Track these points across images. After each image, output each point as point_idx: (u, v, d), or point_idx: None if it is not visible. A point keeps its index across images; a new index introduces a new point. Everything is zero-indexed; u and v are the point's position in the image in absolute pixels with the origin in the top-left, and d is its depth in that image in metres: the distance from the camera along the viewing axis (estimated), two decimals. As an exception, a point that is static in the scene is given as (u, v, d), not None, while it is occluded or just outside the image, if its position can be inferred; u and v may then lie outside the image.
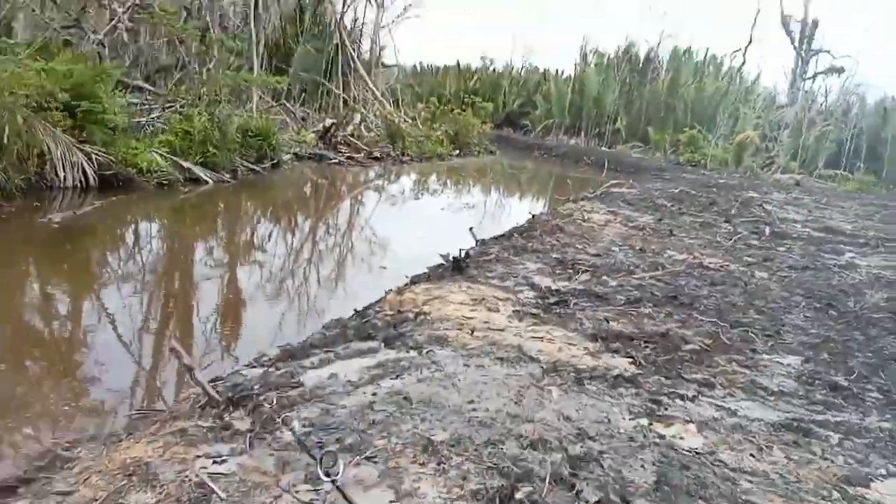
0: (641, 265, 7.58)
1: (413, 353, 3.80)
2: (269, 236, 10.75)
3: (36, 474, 2.70)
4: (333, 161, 18.15)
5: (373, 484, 2.57)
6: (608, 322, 5.10)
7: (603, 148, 34.24)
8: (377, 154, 20.14)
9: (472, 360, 3.77)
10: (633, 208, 12.74)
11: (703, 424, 3.42)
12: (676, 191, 16.77)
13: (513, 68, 42.70)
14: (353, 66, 23.16)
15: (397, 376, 3.48)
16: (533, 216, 10.65)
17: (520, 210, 16.59)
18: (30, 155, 9.57)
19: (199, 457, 2.63)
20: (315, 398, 3.14)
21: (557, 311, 5.18)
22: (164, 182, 11.65)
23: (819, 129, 33.39)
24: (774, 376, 4.42)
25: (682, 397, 3.76)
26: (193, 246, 9.50)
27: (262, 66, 20.12)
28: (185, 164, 12.22)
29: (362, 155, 19.46)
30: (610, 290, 6.14)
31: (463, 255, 7.20)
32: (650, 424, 3.31)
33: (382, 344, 3.89)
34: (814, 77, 34.14)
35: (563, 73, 41.14)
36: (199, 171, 12.33)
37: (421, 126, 25.36)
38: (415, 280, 6.29)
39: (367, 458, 2.72)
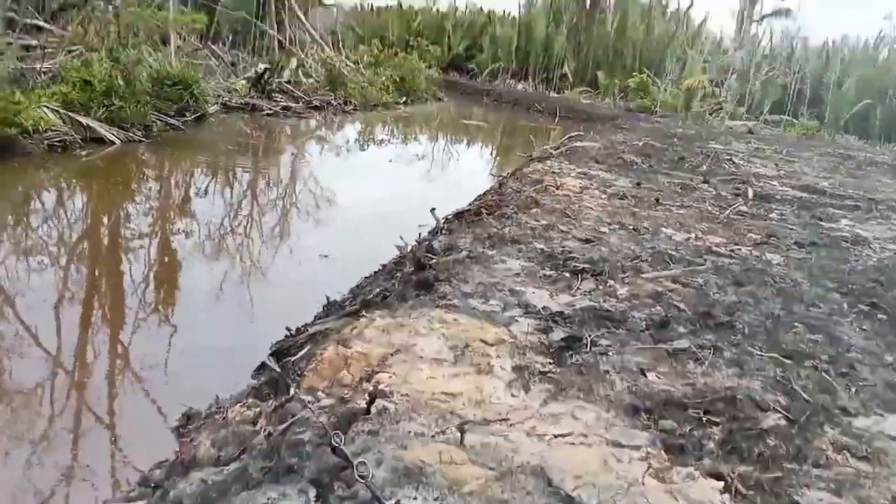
0: (643, 255, 5.95)
1: (367, 516, 2.06)
2: (177, 215, 8.66)
3: None
4: (268, 112, 15.85)
5: None
6: (645, 375, 3.45)
7: (552, 94, 32.39)
8: (317, 103, 17.86)
9: (473, 530, 2.06)
10: (604, 168, 11.09)
11: None
12: (640, 143, 15.21)
13: (456, 9, 39.93)
14: (287, 3, 20.47)
15: None
16: (500, 185, 8.88)
17: (479, 167, 14.86)
18: None
19: None
20: None
21: (573, 359, 3.50)
22: (58, 144, 9.38)
23: (765, 74, 32.33)
24: (907, 473, 2.88)
25: (825, 567, 2.15)
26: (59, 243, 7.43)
27: (184, 3, 17.38)
28: (84, 121, 9.91)
29: (301, 104, 17.18)
30: (625, 306, 4.49)
31: (425, 249, 5.44)
32: None
33: (313, 493, 2.13)
34: (762, 19, 32.87)
35: (508, 14, 38.73)
36: (102, 129, 10.05)
37: (364, 71, 22.95)
38: (364, 297, 4.51)
39: None
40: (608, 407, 3.03)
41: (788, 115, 30.73)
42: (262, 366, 4.11)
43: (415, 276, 4.56)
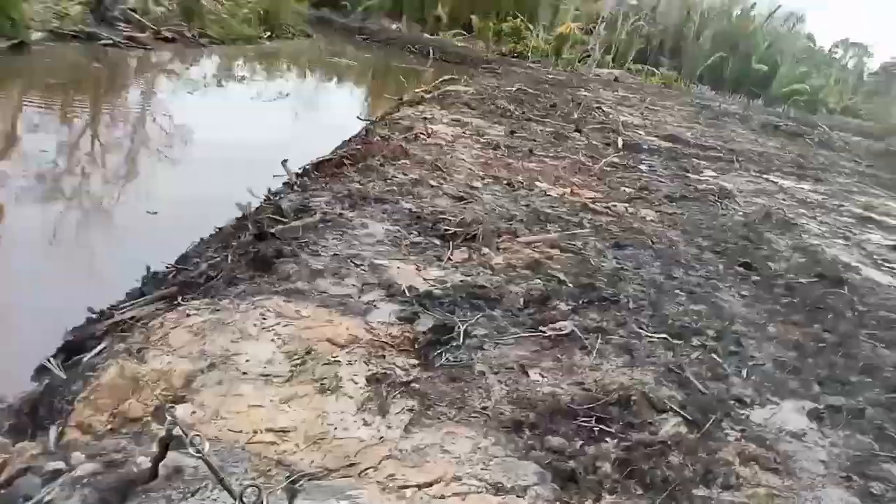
0: (519, 214, 5.38)
1: None
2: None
3: None
4: (108, 42, 13.71)
5: None
6: (527, 374, 2.85)
7: (426, 35, 31.14)
8: (168, 34, 15.76)
9: None
10: (477, 114, 10.42)
11: None
12: (514, 89, 14.66)
13: (328, -61, 37.12)
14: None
15: None
16: (367, 131, 7.98)
17: (347, 110, 13.71)
18: None
19: None
20: None
21: (444, 357, 2.83)
22: None
23: (631, 24, 32.84)
24: (817, 485, 2.47)
25: None
26: None
27: None
28: None
29: (147, 34, 15.05)
30: (501, 280, 3.87)
31: (272, 211, 4.53)
32: None
33: None
34: (628, -31, 33.18)
35: (382, -52, 36.55)
36: None
37: (224, 2, 20.70)
38: (187, 276, 3.59)
39: None
40: (486, 428, 2.39)
41: (650, 65, 31.50)
42: (45, 367, 3.12)
43: (252, 249, 3.67)
